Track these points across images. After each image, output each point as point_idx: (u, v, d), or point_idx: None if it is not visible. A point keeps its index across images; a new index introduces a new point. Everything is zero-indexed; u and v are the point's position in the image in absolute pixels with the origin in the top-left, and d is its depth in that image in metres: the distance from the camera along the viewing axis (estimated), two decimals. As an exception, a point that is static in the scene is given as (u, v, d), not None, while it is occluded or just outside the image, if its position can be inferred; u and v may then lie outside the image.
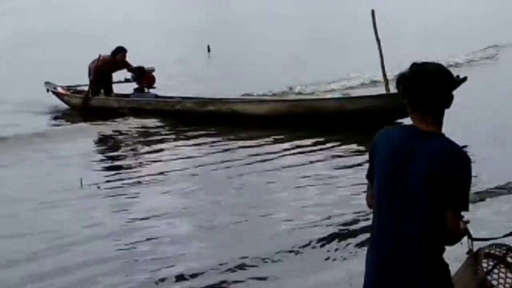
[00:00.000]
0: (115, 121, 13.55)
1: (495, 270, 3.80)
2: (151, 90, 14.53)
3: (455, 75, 3.93)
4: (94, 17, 33.50)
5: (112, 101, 14.42)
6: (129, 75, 14.75)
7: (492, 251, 3.77)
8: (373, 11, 12.34)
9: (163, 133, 12.83)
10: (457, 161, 3.32)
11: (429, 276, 3.34)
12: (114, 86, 14.85)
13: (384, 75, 12.38)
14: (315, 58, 20.23)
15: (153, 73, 14.52)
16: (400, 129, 3.57)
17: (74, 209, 8.60)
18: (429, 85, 3.35)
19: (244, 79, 17.58)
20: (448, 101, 3.40)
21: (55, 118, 14.64)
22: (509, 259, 3.77)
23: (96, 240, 7.58)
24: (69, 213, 8.47)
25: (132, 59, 14.57)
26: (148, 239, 7.54)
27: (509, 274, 3.80)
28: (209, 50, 22.35)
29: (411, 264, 3.35)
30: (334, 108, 11.83)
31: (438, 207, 3.30)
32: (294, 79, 16.48)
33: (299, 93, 15.49)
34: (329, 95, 13.09)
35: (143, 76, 14.43)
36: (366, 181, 3.59)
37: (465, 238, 3.47)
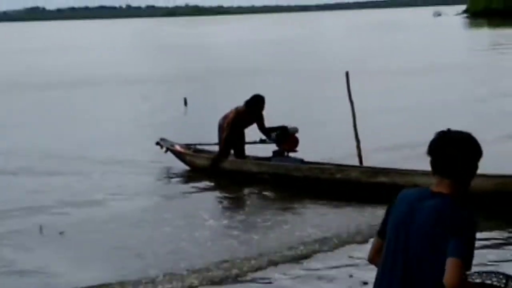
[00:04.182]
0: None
1: None
2: (290, 154, 12.39)
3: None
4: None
5: (250, 165, 12.21)
6: (261, 135, 12.62)
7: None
8: (347, 73, 11.71)
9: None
10: (448, 220, 3.36)
11: None
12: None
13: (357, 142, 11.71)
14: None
15: (296, 134, 12.40)
16: (414, 191, 3.61)
17: None
18: (449, 150, 3.45)
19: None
20: (469, 170, 3.47)
21: (181, 182, 12.55)
22: None
23: None
24: None
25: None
26: None
27: None
28: (186, 103, 19.17)
29: None
30: None
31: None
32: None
33: None
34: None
35: (287, 138, 12.31)
36: None
37: None
